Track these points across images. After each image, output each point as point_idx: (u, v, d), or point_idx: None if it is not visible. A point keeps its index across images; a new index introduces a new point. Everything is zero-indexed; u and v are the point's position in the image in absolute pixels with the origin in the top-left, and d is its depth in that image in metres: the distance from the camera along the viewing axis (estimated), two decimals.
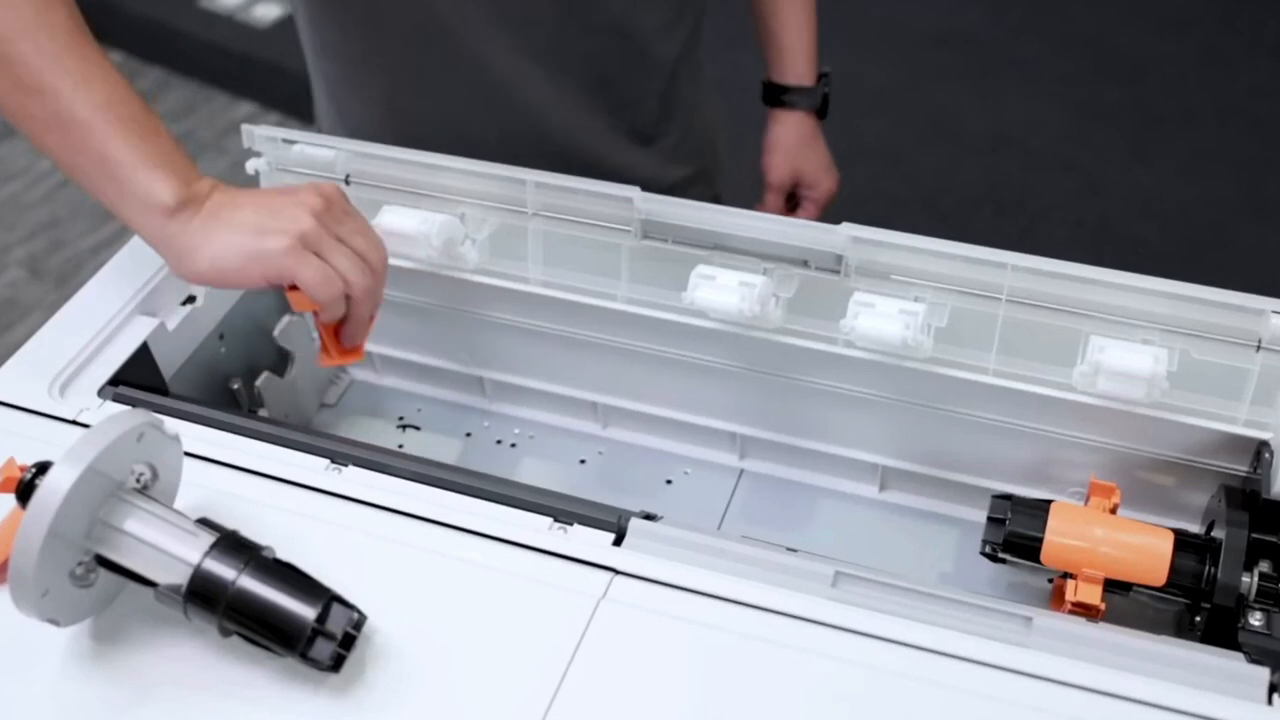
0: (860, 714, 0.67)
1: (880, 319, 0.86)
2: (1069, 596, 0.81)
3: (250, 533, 0.71)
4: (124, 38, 3.33)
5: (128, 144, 0.83)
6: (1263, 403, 0.84)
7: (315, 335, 0.97)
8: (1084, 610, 0.80)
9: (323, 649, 0.67)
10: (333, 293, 0.83)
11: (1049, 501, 0.83)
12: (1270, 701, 0.68)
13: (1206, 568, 0.80)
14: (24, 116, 0.84)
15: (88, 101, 0.82)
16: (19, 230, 2.81)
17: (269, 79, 3.09)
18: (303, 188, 0.85)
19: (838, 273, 0.90)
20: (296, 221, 0.82)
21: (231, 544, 0.69)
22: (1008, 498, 0.85)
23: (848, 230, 0.88)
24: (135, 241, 1.01)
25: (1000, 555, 0.85)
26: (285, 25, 3.16)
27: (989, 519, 0.85)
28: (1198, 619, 0.81)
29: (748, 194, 1.36)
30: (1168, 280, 0.84)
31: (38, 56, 0.82)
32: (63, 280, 2.66)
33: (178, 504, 0.74)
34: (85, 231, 2.79)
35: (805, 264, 0.91)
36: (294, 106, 2.97)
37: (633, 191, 0.92)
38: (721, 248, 0.92)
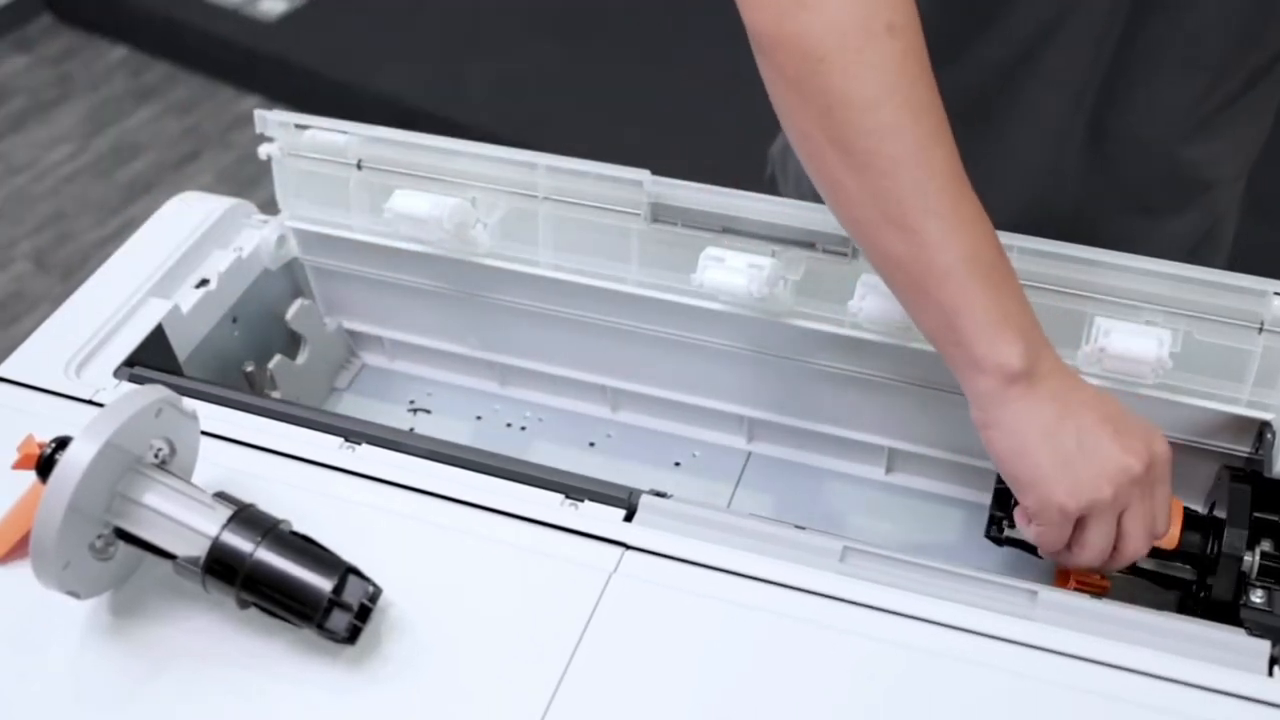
0: (868, 685, 0.68)
1: (888, 301, 0.87)
2: (1073, 576, 0.82)
3: (266, 509, 0.72)
4: (130, 31, 3.34)
5: (983, 300, 0.73)
6: (1265, 384, 0.84)
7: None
8: (1089, 588, 0.81)
9: (339, 620, 0.68)
10: (1094, 560, 0.76)
11: None
12: (1271, 673, 0.69)
13: (1210, 545, 0.81)
14: (877, 247, 0.76)
15: (951, 252, 0.73)
16: (26, 223, 2.82)
17: (275, 73, 3.10)
18: (1138, 437, 0.74)
19: (846, 255, 0.91)
20: (1113, 481, 0.73)
21: (249, 517, 0.70)
22: None
23: None
24: (148, 227, 1.03)
25: (1005, 537, 0.86)
26: (291, 19, 3.17)
27: (995, 495, 0.86)
28: (1202, 594, 0.82)
29: (753, 184, 1.37)
30: (1171, 263, 0.84)
31: (913, 194, 0.73)
32: (69, 273, 2.67)
33: (194, 480, 0.75)
34: (92, 225, 2.80)
35: (813, 246, 0.92)
36: (300, 100, 2.98)
37: (642, 175, 0.93)
38: (730, 230, 0.93)
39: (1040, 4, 0.87)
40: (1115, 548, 0.76)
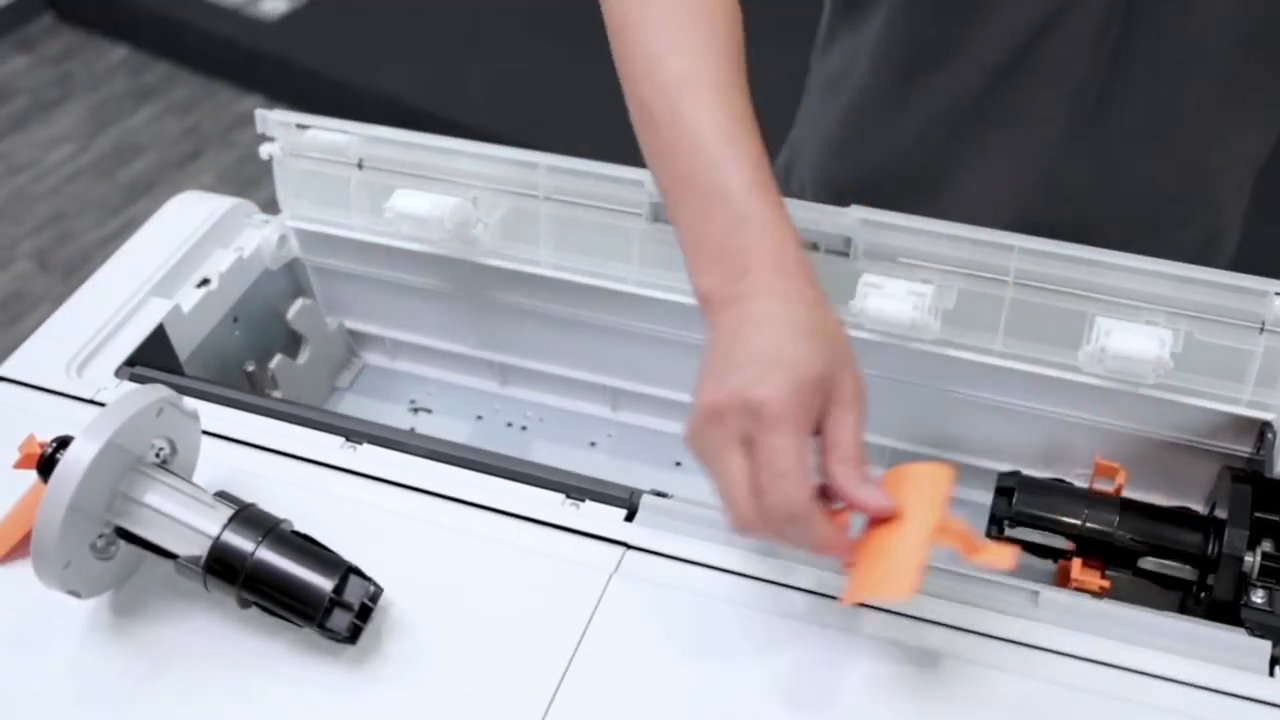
0: (869, 685, 0.68)
1: (888, 300, 0.87)
2: (1074, 575, 0.82)
3: (267, 508, 0.72)
4: (131, 31, 3.35)
5: (686, 224, 0.74)
6: (1266, 384, 0.84)
7: None
8: (1087, 589, 0.81)
9: (340, 620, 0.68)
10: (731, 501, 0.67)
11: (1057, 480, 0.84)
12: (1272, 673, 0.69)
13: (1211, 545, 0.81)
14: (639, 128, 0.78)
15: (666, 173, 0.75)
16: (27, 223, 2.82)
17: (276, 73, 3.10)
18: (748, 373, 0.66)
19: (846, 255, 0.91)
20: (715, 402, 0.67)
21: (250, 516, 0.70)
22: (1014, 474, 0.86)
23: (856, 213, 0.89)
24: (149, 226, 1.03)
25: (1005, 536, 0.86)
26: (292, 19, 3.17)
27: (997, 493, 0.86)
28: (1203, 595, 0.82)
29: None
30: (1172, 263, 0.84)
31: (668, 91, 0.75)
32: (70, 273, 2.67)
33: (195, 480, 0.75)
34: (93, 225, 2.81)
35: (814, 246, 0.91)
36: (301, 100, 2.98)
37: (643, 174, 0.93)
38: None
39: (1028, 3, 0.87)
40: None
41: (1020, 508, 0.85)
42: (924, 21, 0.83)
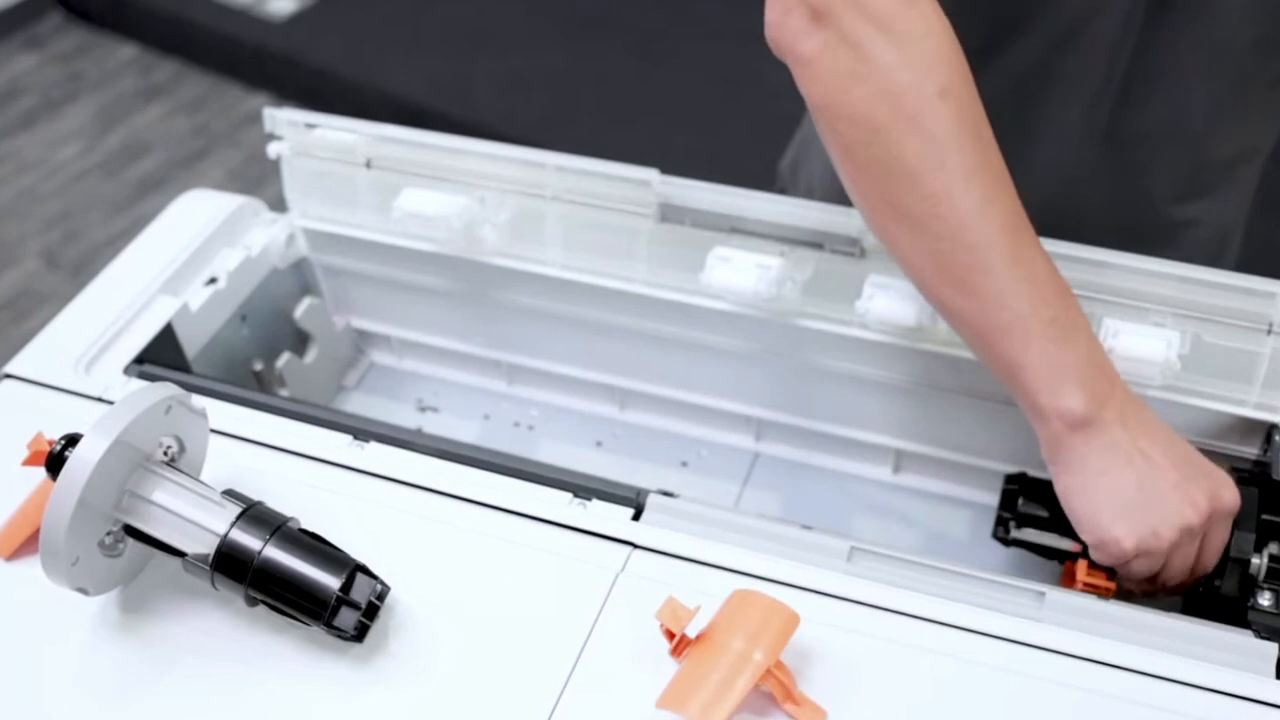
0: (873, 685, 0.68)
1: (895, 301, 0.87)
2: (1080, 578, 0.82)
3: (275, 506, 0.72)
4: (140, 30, 3.35)
5: (1042, 353, 0.75)
6: (1273, 386, 0.84)
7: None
8: (1096, 590, 0.81)
9: (347, 618, 0.69)
10: (1135, 583, 0.80)
11: None
12: (1278, 675, 0.69)
13: None
14: (940, 302, 0.78)
15: (1008, 310, 0.74)
16: (36, 221, 2.82)
17: (284, 71, 3.10)
18: (1201, 488, 0.76)
19: (853, 255, 0.91)
20: (1171, 530, 0.75)
21: (257, 515, 0.70)
22: (1020, 477, 0.86)
23: None
24: (157, 225, 1.03)
25: (1011, 538, 0.86)
26: (300, 18, 3.17)
27: (1003, 495, 0.86)
28: (1209, 595, 0.82)
29: (761, 184, 1.37)
30: (1179, 264, 0.84)
31: (968, 256, 0.74)
32: (78, 271, 2.68)
33: (203, 478, 0.75)
34: (101, 223, 2.81)
35: (821, 247, 0.92)
36: (309, 99, 2.98)
37: (651, 174, 0.93)
38: (738, 230, 0.93)
39: (1064, 13, 0.87)
40: (1157, 575, 0.79)
41: (1026, 509, 0.85)
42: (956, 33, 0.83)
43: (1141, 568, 0.78)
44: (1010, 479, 0.87)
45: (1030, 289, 0.75)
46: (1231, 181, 1.00)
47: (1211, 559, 0.79)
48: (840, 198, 0.93)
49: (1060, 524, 0.83)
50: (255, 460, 0.82)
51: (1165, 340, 0.84)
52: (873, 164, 0.74)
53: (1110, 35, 0.88)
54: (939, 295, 0.77)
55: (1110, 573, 0.81)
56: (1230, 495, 0.77)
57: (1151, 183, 0.97)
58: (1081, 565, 0.82)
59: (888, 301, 0.88)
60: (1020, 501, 0.85)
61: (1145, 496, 0.76)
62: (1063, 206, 0.97)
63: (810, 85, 0.75)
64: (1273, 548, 0.80)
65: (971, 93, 0.74)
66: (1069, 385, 0.75)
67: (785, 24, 0.74)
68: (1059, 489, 0.78)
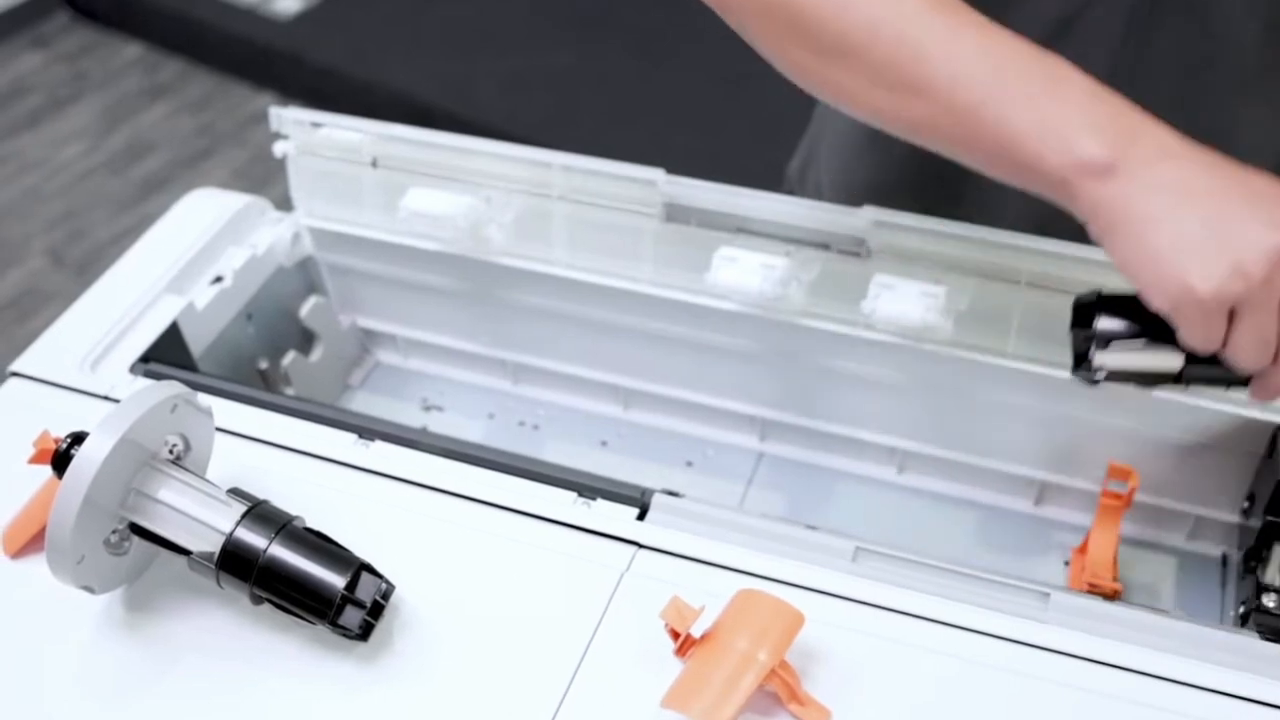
0: (878, 686, 0.68)
1: (901, 302, 0.87)
2: (1085, 578, 0.82)
3: (280, 505, 0.72)
4: (145, 29, 3.35)
5: (1028, 113, 0.67)
6: None
7: None
8: (1101, 591, 0.81)
9: (352, 617, 0.69)
10: (1256, 363, 0.67)
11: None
12: None
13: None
14: (907, 122, 0.72)
15: (971, 89, 0.68)
16: (41, 220, 2.83)
17: (289, 71, 3.11)
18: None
19: (859, 255, 0.91)
20: (1259, 259, 0.63)
21: (263, 513, 0.70)
22: (1095, 293, 0.74)
23: (869, 213, 0.89)
24: (163, 223, 1.03)
25: (1097, 365, 0.72)
26: (306, 17, 3.18)
27: (1076, 315, 0.74)
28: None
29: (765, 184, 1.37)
30: None
31: (902, 51, 0.69)
32: (84, 269, 2.68)
33: (209, 477, 0.75)
34: (106, 221, 2.81)
35: (827, 247, 0.92)
36: (314, 98, 2.98)
37: (657, 174, 0.93)
38: (744, 230, 0.93)
39: (1045, 5, 0.86)
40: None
41: (1107, 326, 0.73)
42: None
43: (1247, 336, 0.65)
44: (1081, 300, 0.74)
45: (985, 57, 0.68)
46: None
47: None
48: (849, 201, 0.93)
49: (1156, 331, 0.70)
50: (260, 459, 0.82)
51: None
52: (780, 10, 0.72)
53: (1109, 28, 0.87)
54: (899, 113, 0.71)
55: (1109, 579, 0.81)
56: None
57: None
58: (1084, 560, 0.82)
59: (893, 302, 0.88)
60: (1099, 319, 0.72)
61: (1214, 230, 0.64)
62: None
63: None
64: None
65: None
66: (1076, 131, 0.66)
67: None
68: (1118, 263, 0.67)
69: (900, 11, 0.69)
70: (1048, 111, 0.67)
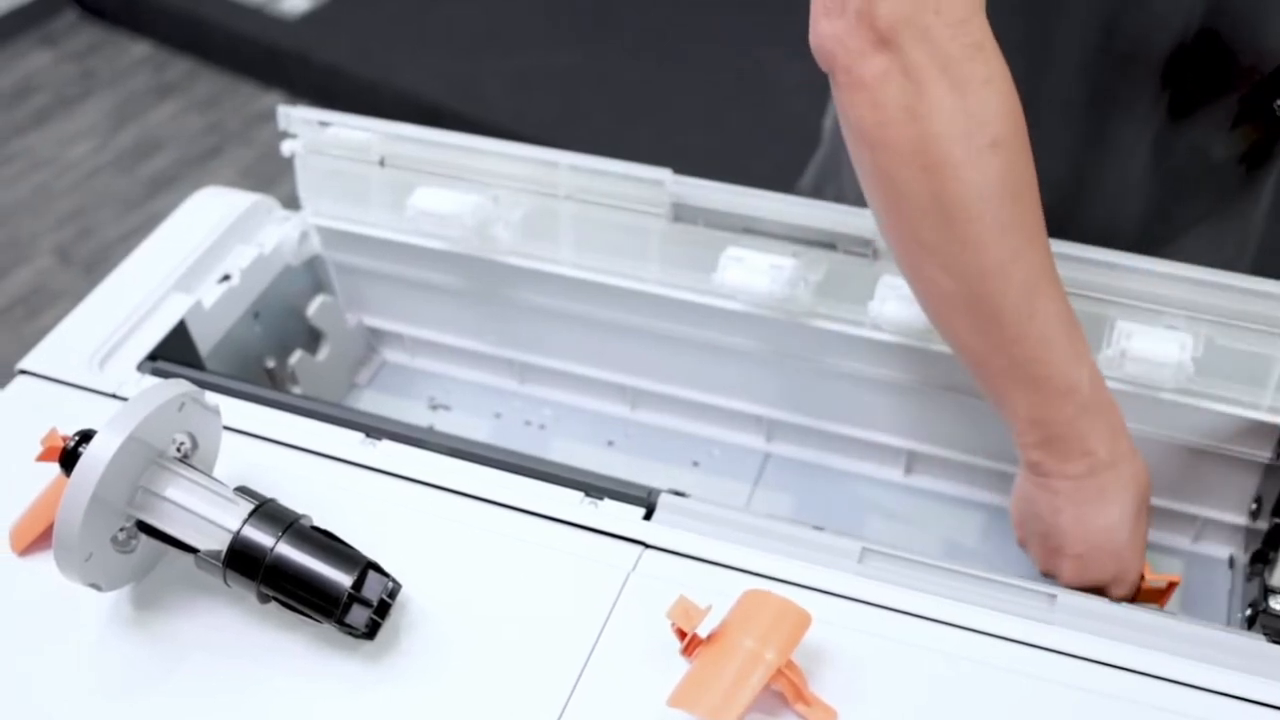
0: (884, 686, 0.68)
1: (908, 302, 0.87)
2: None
3: (286, 504, 0.72)
4: (153, 27, 3.36)
5: (1031, 403, 0.77)
6: None
7: None
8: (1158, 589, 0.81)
9: (358, 615, 0.69)
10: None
11: None
12: None
13: None
14: (953, 338, 0.79)
15: (1013, 362, 0.77)
16: (49, 218, 2.83)
17: (297, 70, 3.11)
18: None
19: (866, 256, 0.91)
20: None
21: (270, 512, 0.71)
22: None
23: None
24: (170, 222, 1.03)
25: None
26: (313, 16, 3.18)
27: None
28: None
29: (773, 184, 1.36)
30: (1193, 267, 0.84)
31: (986, 302, 0.75)
32: (91, 268, 2.68)
33: (216, 475, 0.75)
34: (114, 220, 2.82)
35: (834, 247, 0.92)
36: (322, 97, 2.99)
37: (664, 174, 0.93)
38: (751, 230, 0.93)
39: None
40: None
41: None
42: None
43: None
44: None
45: (1039, 337, 0.75)
46: (1239, 180, 0.99)
47: None
48: None
49: None
50: (267, 457, 0.82)
51: (1179, 343, 0.84)
52: (909, 198, 0.74)
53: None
54: (950, 326, 0.78)
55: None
56: None
57: (1157, 182, 0.96)
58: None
59: (900, 303, 0.88)
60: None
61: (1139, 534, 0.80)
62: (1069, 207, 0.97)
63: (859, 109, 0.73)
64: None
65: (1023, 145, 0.73)
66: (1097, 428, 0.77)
67: (844, 40, 0.72)
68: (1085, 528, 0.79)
69: (1006, 271, 0.74)
70: (1043, 414, 0.77)
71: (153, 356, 0.91)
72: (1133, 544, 0.79)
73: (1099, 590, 0.80)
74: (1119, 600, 0.79)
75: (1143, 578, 0.80)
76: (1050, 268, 0.76)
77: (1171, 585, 0.81)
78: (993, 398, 0.79)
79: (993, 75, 0.72)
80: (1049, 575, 0.83)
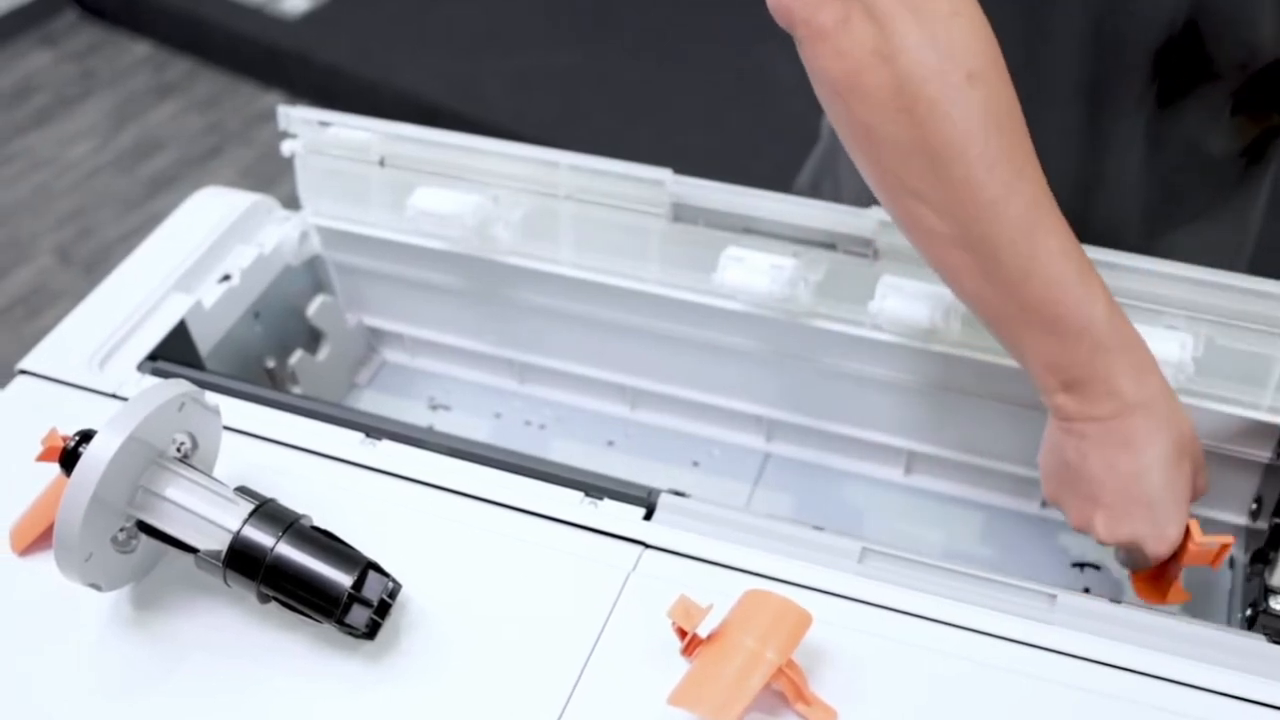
0: (884, 687, 0.68)
1: (909, 302, 0.87)
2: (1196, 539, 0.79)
3: (287, 503, 0.72)
4: (153, 27, 3.36)
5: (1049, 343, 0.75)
6: None
7: None
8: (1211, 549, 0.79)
9: (358, 615, 0.69)
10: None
11: None
12: None
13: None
14: (957, 285, 0.77)
15: (1025, 302, 0.74)
16: (48, 218, 2.83)
17: (297, 70, 3.11)
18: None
19: (867, 256, 0.91)
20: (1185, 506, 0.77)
21: (270, 512, 0.71)
22: None
23: (877, 214, 0.89)
24: (170, 222, 1.03)
25: None
26: (314, 16, 3.18)
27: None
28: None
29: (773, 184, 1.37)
30: (1193, 266, 0.84)
31: (983, 244, 0.73)
32: (92, 268, 2.69)
33: (216, 475, 0.75)
34: (114, 220, 2.82)
35: (834, 247, 0.92)
36: (322, 97, 2.99)
37: (664, 174, 0.93)
38: (751, 230, 0.93)
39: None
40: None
41: None
42: None
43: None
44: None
45: (1042, 288, 0.73)
46: (1236, 178, 1.00)
47: None
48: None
49: None
50: (268, 457, 0.82)
51: (1179, 343, 0.83)
52: (890, 144, 0.72)
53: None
54: (954, 276, 0.76)
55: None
56: None
57: (1155, 181, 0.96)
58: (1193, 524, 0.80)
59: (900, 303, 0.88)
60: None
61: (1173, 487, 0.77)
62: (1073, 207, 0.97)
63: (826, 60, 0.71)
64: None
65: (1000, 76, 0.71)
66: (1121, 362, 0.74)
67: None
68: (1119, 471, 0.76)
69: (1000, 208, 0.71)
70: (1059, 358, 0.74)
71: (153, 356, 0.91)
72: (1170, 494, 0.76)
73: (1136, 548, 0.77)
74: (1157, 558, 0.77)
75: (1189, 537, 0.77)
76: (1047, 200, 0.73)
77: (1225, 547, 0.77)
78: (1009, 346, 0.77)
79: (959, 6, 0.70)
80: (1082, 531, 0.80)
